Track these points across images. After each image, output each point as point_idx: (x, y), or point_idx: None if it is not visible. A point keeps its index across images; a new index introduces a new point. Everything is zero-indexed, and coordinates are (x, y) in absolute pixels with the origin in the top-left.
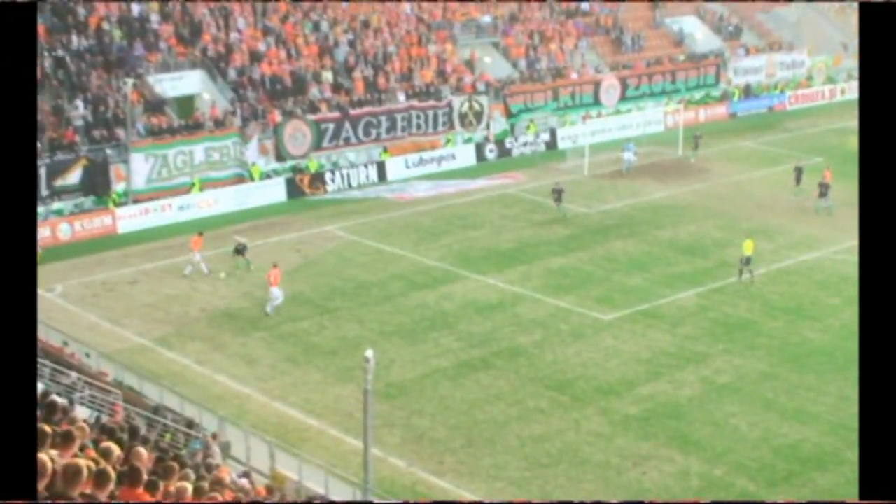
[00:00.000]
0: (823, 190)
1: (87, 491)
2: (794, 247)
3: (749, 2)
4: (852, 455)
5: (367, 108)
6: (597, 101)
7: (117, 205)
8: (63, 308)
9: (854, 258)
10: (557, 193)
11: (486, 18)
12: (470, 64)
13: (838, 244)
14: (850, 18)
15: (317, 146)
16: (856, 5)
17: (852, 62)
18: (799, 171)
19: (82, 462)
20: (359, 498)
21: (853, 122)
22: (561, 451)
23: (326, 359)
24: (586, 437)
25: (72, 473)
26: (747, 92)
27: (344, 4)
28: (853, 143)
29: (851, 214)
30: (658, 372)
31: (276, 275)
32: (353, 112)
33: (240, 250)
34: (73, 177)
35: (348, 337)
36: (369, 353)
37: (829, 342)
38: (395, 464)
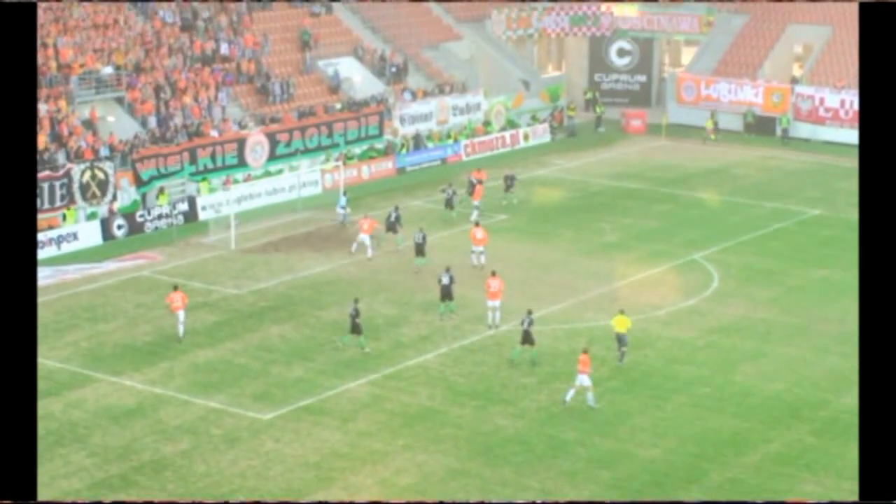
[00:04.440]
0: (509, 182)
1: None
2: (478, 319)
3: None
4: None
5: None
6: (242, 163)
7: None
8: None
9: (546, 328)
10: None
11: (107, 69)
12: (90, 124)
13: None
14: (531, 50)
15: None
16: (535, 35)
17: (536, 102)
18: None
19: None
20: None
21: (540, 172)
22: None
23: None
24: None
25: None
26: (417, 142)
27: None
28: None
29: (544, 280)
30: (329, 477)
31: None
32: None
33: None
34: None
35: None
36: None
37: (525, 428)
38: None
